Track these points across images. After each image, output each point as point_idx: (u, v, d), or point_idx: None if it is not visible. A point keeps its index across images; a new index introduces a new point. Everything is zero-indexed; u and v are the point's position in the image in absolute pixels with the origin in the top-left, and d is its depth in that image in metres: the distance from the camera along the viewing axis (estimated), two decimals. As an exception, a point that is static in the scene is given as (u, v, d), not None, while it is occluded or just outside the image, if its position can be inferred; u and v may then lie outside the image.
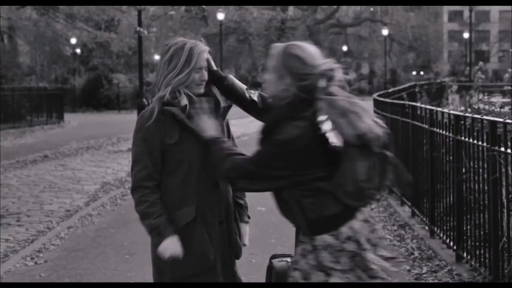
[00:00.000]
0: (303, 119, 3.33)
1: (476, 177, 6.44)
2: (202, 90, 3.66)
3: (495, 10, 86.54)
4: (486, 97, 10.85)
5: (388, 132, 3.45)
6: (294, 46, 3.43)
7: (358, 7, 69.38)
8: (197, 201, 3.63)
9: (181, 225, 3.61)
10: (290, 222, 3.46)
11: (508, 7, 70.60)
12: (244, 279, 6.28)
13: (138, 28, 19.75)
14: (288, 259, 3.80)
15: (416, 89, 19.29)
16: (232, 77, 3.85)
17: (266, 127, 3.41)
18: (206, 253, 3.62)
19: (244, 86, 3.84)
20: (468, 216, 6.70)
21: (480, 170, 6.28)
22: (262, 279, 3.89)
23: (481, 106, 10.41)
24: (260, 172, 3.34)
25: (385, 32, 58.11)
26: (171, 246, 3.55)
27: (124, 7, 28.28)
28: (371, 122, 3.35)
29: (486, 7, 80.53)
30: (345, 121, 3.30)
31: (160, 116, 3.59)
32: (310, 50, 3.42)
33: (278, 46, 3.47)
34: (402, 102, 10.95)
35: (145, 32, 20.41)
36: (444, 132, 7.43)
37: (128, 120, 30.37)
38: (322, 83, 3.40)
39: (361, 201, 3.37)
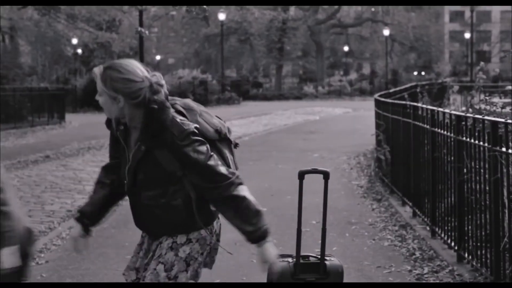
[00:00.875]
0: (177, 114, 3.52)
1: (478, 178, 6.43)
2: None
3: (496, 11, 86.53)
4: (487, 98, 10.84)
5: (229, 129, 3.71)
6: (113, 69, 3.45)
7: (359, 7, 69.42)
8: None
9: None
10: (170, 216, 3.57)
11: (509, 8, 70.54)
12: (246, 279, 6.28)
13: (139, 29, 19.76)
14: (289, 259, 3.81)
15: (418, 90, 19.29)
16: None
17: (164, 136, 3.44)
18: None
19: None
20: (470, 217, 6.70)
21: (482, 170, 6.28)
22: (264, 279, 3.89)
23: (483, 106, 10.40)
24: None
25: (386, 32, 58.14)
26: None
27: (125, 8, 28.30)
28: (218, 120, 3.65)
29: (487, 7, 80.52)
30: (203, 120, 3.56)
31: None
32: (131, 67, 3.45)
33: (99, 69, 3.50)
34: (404, 102, 10.94)
35: (146, 32, 20.43)
36: (445, 132, 7.43)
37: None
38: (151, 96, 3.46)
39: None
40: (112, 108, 3.48)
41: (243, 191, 3.48)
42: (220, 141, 3.60)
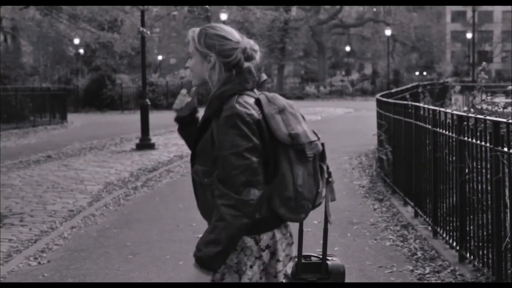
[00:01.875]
0: (249, 96, 3.25)
1: (479, 178, 6.44)
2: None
3: (498, 11, 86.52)
4: (489, 98, 10.84)
5: (323, 144, 3.35)
6: (210, 27, 3.36)
7: (361, 8, 69.39)
8: None
9: None
10: (209, 202, 3.25)
11: (511, 8, 70.52)
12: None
13: (141, 29, 19.76)
14: (296, 260, 3.81)
15: (419, 90, 19.29)
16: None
17: (214, 106, 3.25)
18: None
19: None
20: (471, 217, 6.70)
21: (483, 170, 6.28)
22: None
23: (484, 106, 10.41)
24: (245, 160, 3.13)
25: (388, 32, 58.10)
26: None
27: (127, 8, 28.30)
28: (307, 128, 3.27)
29: (489, 8, 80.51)
30: (281, 118, 3.21)
31: None
32: (227, 29, 3.36)
33: (194, 30, 3.38)
34: (405, 102, 10.94)
35: (148, 32, 20.43)
36: (447, 132, 7.43)
37: (131, 120, 30.42)
38: (243, 61, 3.31)
39: (295, 212, 3.22)
40: (201, 69, 3.31)
41: (229, 218, 3.06)
42: (295, 150, 3.20)
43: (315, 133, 3.34)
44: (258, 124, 3.18)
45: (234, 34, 3.35)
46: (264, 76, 3.39)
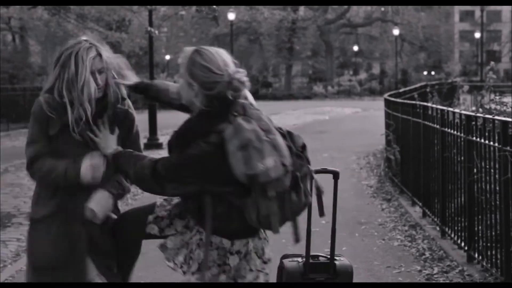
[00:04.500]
0: (217, 133, 3.23)
1: (488, 178, 6.42)
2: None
3: (506, 10, 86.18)
4: (497, 97, 10.80)
5: (296, 174, 3.28)
6: (200, 53, 3.32)
7: (369, 7, 69.30)
8: (61, 198, 3.76)
9: (40, 215, 3.80)
10: (192, 214, 3.46)
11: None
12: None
13: (149, 28, 19.79)
14: (299, 259, 3.80)
15: (427, 89, 19.23)
16: (156, 84, 3.89)
17: (178, 138, 3.35)
18: (60, 248, 3.73)
19: (172, 87, 3.84)
20: (480, 217, 6.68)
21: (492, 170, 6.26)
22: (273, 279, 3.89)
23: (493, 106, 10.37)
24: (169, 177, 3.34)
25: (396, 32, 58.06)
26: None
27: (135, 7, 28.34)
28: (273, 163, 3.14)
29: (498, 7, 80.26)
30: (241, 156, 3.13)
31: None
32: (217, 57, 3.30)
33: (186, 51, 3.38)
34: (413, 102, 10.92)
35: (156, 32, 20.47)
36: (455, 132, 7.41)
37: (139, 120, 30.29)
38: (229, 93, 3.27)
39: (267, 228, 3.34)
40: (186, 94, 3.36)
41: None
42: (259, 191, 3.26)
43: (300, 155, 3.33)
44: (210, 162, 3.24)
45: (220, 64, 3.28)
46: (249, 102, 3.36)
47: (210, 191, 3.30)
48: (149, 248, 8.28)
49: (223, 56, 3.31)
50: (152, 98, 3.95)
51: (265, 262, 3.48)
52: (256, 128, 3.19)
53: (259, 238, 3.47)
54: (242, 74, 3.30)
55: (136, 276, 6.97)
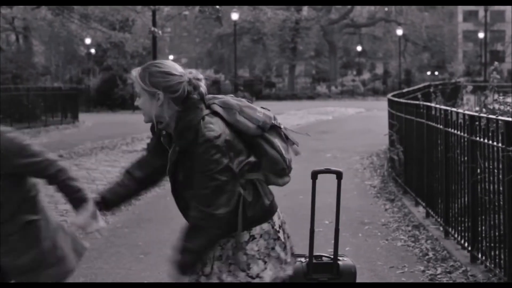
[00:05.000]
0: (209, 116, 3.40)
1: (491, 178, 6.41)
2: None
3: (510, 10, 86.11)
4: (501, 97, 10.79)
5: (274, 116, 3.55)
6: (152, 65, 3.45)
7: (372, 7, 69.28)
8: None
9: None
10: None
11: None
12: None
13: (152, 28, 19.79)
14: (302, 259, 3.80)
15: (431, 89, 19.23)
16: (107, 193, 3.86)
17: (186, 136, 3.37)
18: None
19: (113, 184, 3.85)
20: (483, 217, 6.68)
21: (495, 170, 6.25)
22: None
23: (496, 106, 10.37)
24: (215, 184, 3.36)
25: (399, 32, 58.02)
26: None
27: (139, 8, 28.34)
28: (263, 111, 3.50)
29: (501, 7, 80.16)
30: (243, 117, 3.42)
31: None
32: (169, 63, 3.45)
33: (136, 70, 3.47)
34: (417, 102, 10.91)
35: (160, 32, 20.45)
36: (459, 132, 7.41)
37: (142, 120, 30.37)
38: (191, 91, 3.41)
39: (287, 175, 3.56)
40: (151, 107, 3.39)
41: (201, 229, 3.38)
42: (268, 132, 3.49)
43: (264, 108, 3.56)
44: (228, 142, 3.36)
45: (176, 67, 3.43)
46: (203, 88, 3.47)
47: (235, 175, 3.40)
48: (153, 248, 8.32)
49: (172, 63, 3.48)
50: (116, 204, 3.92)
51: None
52: (232, 99, 3.52)
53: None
54: (195, 73, 3.45)
55: (140, 276, 7.01)
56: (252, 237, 3.42)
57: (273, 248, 3.44)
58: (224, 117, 3.39)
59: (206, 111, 3.39)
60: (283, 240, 3.48)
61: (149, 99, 3.39)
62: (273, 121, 3.49)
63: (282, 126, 3.56)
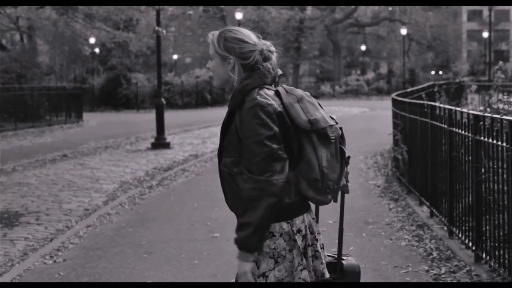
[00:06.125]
0: (269, 90, 3.43)
1: (495, 177, 6.40)
2: None
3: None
4: (505, 97, 10.77)
5: (341, 128, 3.54)
6: (228, 30, 3.54)
7: (376, 7, 69.19)
8: None
9: None
10: (240, 211, 3.38)
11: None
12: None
13: (156, 28, 19.80)
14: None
15: (435, 89, 19.20)
16: None
17: (237, 98, 3.41)
18: None
19: None
20: (487, 217, 6.67)
21: (500, 170, 6.25)
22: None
23: (501, 106, 10.35)
24: (269, 149, 3.31)
25: (403, 31, 57.93)
26: None
27: (143, 7, 28.36)
28: (325, 114, 3.47)
29: (506, 7, 80.00)
30: (300, 107, 3.40)
31: None
32: (245, 32, 3.54)
33: (213, 33, 3.56)
34: (421, 101, 10.90)
35: (164, 32, 20.46)
36: (463, 132, 7.40)
37: (146, 119, 30.47)
38: (260, 60, 3.48)
39: (322, 194, 3.41)
40: (222, 70, 3.50)
41: (255, 199, 3.27)
42: (317, 134, 3.39)
43: (332, 118, 3.53)
44: (280, 115, 3.36)
45: (251, 36, 3.54)
46: (279, 71, 3.56)
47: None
48: (157, 248, 8.32)
49: (248, 32, 3.56)
50: None
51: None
52: (301, 91, 3.51)
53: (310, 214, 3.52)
54: (269, 44, 3.54)
55: (144, 275, 7.01)
56: (271, 234, 3.37)
57: (290, 251, 3.38)
58: (283, 98, 3.41)
59: (268, 86, 3.46)
60: (300, 245, 3.39)
61: (221, 63, 3.50)
62: (329, 131, 3.42)
63: (342, 147, 3.49)
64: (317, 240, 3.49)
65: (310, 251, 3.45)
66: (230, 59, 3.47)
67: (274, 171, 3.28)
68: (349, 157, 3.58)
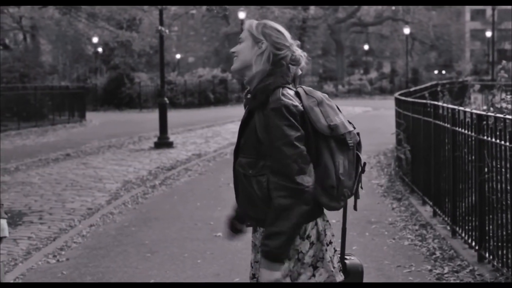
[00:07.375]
0: (291, 90, 3.37)
1: (499, 177, 6.40)
2: None
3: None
4: (509, 96, 10.76)
5: (358, 133, 3.48)
6: (270, 22, 3.49)
7: (379, 6, 69.16)
8: None
9: None
10: (252, 213, 3.38)
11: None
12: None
13: (159, 27, 19.80)
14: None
15: (438, 88, 19.20)
16: None
17: (259, 99, 3.34)
18: None
19: None
20: (491, 216, 6.66)
21: (503, 169, 6.24)
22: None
23: (504, 105, 10.34)
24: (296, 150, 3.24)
25: (406, 31, 57.90)
26: None
27: (146, 7, 28.37)
28: (344, 119, 3.40)
29: (509, 6, 79.92)
30: (320, 110, 3.33)
31: None
32: (284, 30, 3.48)
33: (252, 21, 3.51)
34: (424, 101, 10.90)
35: (167, 31, 20.46)
36: (466, 131, 7.39)
37: (149, 118, 30.49)
38: (287, 59, 3.41)
39: (336, 200, 3.35)
40: (248, 53, 3.42)
41: (288, 208, 3.18)
42: (335, 140, 3.32)
43: (351, 123, 3.47)
44: (302, 115, 3.29)
45: (288, 36, 3.46)
46: (299, 71, 3.48)
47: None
48: (160, 247, 8.32)
49: (287, 33, 3.48)
50: None
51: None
52: (321, 93, 3.42)
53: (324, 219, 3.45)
54: (302, 52, 3.47)
55: (147, 275, 7.01)
56: None
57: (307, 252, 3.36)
58: (303, 100, 3.33)
59: (288, 85, 3.38)
60: (304, 252, 3.35)
61: (251, 45, 3.42)
62: (347, 137, 3.36)
63: (359, 155, 3.43)
64: (326, 250, 3.42)
65: (313, 260, 3.39)
66: (262, 44, 3.40)
67: (305, 173, 3.20)
68: (365, 163, 3.51)
